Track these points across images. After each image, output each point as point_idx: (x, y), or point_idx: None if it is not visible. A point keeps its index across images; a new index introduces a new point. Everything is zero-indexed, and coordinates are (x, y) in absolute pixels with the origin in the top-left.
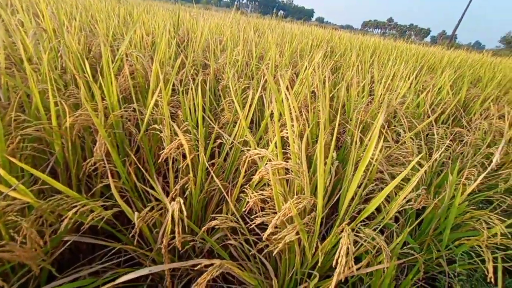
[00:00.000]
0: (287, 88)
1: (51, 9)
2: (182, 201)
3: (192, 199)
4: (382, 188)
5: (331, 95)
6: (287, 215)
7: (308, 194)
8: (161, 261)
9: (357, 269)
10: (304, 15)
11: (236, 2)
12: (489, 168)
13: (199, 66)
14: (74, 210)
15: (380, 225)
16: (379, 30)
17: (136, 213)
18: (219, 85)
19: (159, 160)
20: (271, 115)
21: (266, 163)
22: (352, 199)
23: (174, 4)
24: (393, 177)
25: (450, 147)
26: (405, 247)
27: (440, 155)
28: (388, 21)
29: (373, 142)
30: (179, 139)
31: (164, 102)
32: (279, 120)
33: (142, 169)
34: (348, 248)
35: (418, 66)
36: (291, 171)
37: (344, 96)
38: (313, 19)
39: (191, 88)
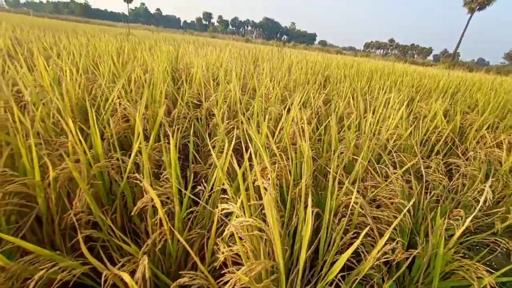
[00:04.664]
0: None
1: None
2: (147, 260)
3: (170, 249)
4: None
5: (317, 133)
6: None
7: (279, 251)
8: None
9: None
10: (307, 39)
11: (241, 30)
12: (478, 207)
13: (191, 104)
14: (41, 273)
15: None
16: (382, 51)
17: (105, 271)
18: (210, 122)
19: (132, 213)
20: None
21: (235, 219)
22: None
23: (182, 34)
24: (378, 220)
25: (442, 182)
26: None
27: (430, 192)
28: (389, 41)
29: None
30: (149, 195)
31: (144, 155)
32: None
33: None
34: None
35: (414, 91)
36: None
37: (330, 134)
38: (316, 42)
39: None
